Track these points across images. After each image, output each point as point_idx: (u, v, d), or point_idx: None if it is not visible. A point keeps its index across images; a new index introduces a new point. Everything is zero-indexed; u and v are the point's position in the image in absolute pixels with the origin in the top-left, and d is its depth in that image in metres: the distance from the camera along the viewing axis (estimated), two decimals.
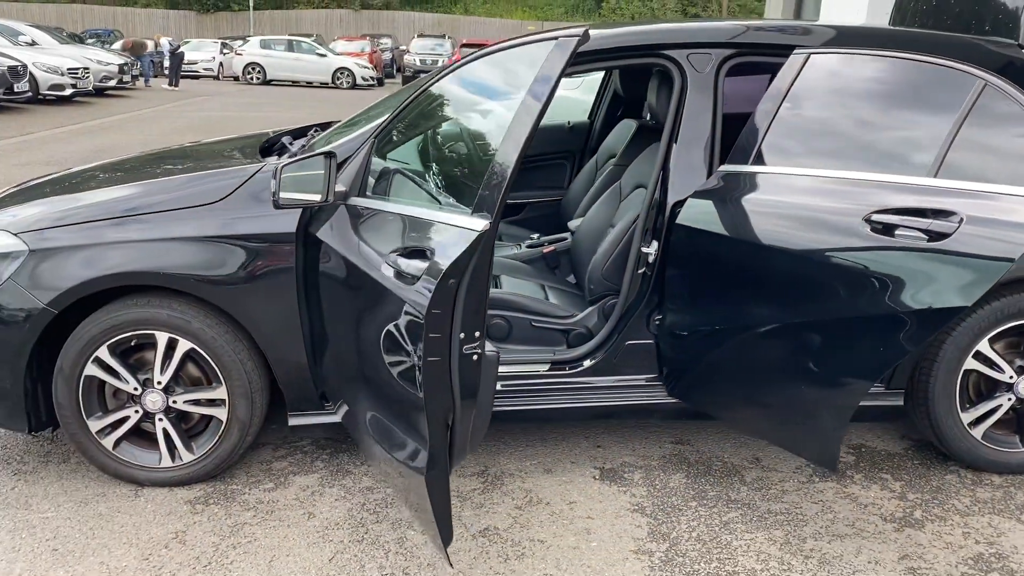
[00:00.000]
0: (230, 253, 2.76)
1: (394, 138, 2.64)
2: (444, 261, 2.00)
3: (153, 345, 2.84)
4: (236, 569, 2.51)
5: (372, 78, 26.60)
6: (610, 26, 3.08)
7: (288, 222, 2.77)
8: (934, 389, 2.96)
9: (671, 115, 2.93)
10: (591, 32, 2.39)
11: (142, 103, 17.86)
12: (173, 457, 2.93)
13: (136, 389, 2.85)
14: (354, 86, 25.86)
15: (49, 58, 16.49)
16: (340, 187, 2.63)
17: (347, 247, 2.51)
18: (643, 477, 3.06)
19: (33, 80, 15.55)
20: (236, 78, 27.60)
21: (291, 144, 3.40)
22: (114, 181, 3.21)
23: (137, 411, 2.89)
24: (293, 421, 2.95)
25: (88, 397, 2.85)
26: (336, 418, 2.95)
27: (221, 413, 2.90)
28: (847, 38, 2.82)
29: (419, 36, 29.45)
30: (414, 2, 39.49)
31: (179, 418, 2.93)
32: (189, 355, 2.84)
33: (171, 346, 2.82)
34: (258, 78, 25.97)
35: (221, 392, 2.88)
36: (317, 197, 2.58)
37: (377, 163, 2.71)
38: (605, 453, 3.23)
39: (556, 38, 2.14)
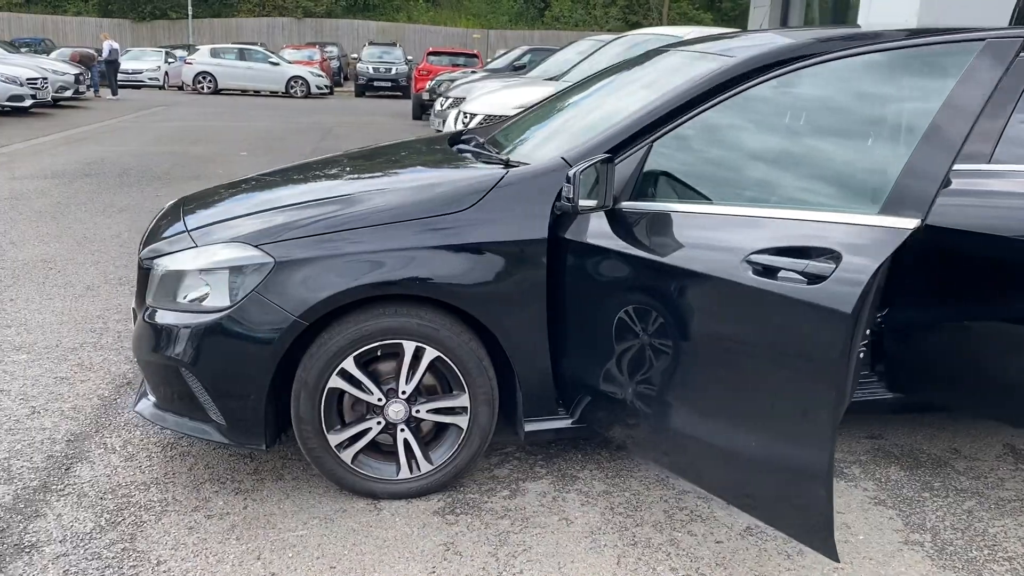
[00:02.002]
0: (483, 260, 2.73)
1: (684, 141, 2.62)
2: (854, 261, 2.01)
3: (394, 355, 2.79)
4: None
5: (326, 87, 26.29)
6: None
7: (539, 227, 2.75)
8: None
9: None
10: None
11: (103, 114, 17.31)
12: (411, 468, 2.88)
13: (380, 400, 2.80)
14: (308, 95, 25.53)
15: (6, 68, 15.87)
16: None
17: (650, 249, 2.47)
18: (863, 472, 3.13)
19: None
20: (180, 87, 27.01)
21: (480, 147, 3.39)
22: (326, 189, 3.14)
23: (379, 422, 2.83)
24: (529, 427, 2.91)
25: (328, 410, 2.78)
26: (566, 423, 2.94)
27: (461, 421, 2.86)
28: None
29: (370, 44, 29.24)
30: (356, 10, 39.14)
31: (416, 428, 2.88)
32: (431, 364, 2.80)
33: (417, 355, 2.77)
34: (209, 87, 25.40)
35: (463, 400, 2.84)
36: (594, 202, 2.58)
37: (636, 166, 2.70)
38: None
39: (983, 39, 2.18)
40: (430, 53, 20.22)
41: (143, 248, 3.05)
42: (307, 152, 12.08)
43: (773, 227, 2.22)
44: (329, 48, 32.47)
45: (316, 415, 2.76)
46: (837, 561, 2.16)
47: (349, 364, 2.74)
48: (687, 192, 2.62)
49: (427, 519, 2.78)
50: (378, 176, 3.29)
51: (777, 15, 12.43)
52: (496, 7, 39.99)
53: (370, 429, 2.83)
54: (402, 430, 2.84)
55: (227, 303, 2.70)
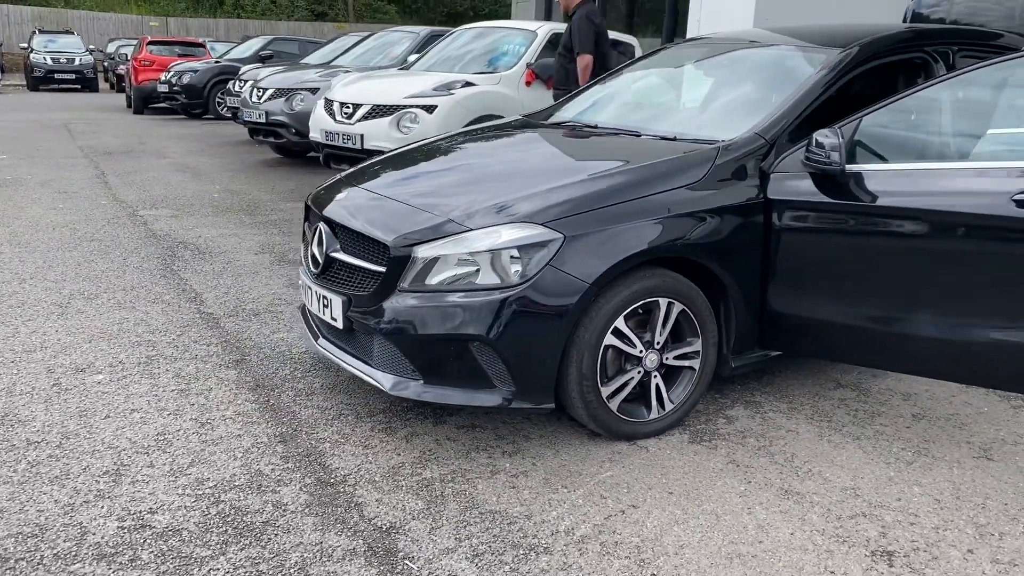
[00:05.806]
0: (721, 222, 3.22)
1: (897, 114, 3.24)
2: None
3: (648, 311, 3.18)
4: (836, 477, 3.05)
5: None
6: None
7: (756, 190, 3.30)
8: None
9: None
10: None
11: None
12: (657, 410, 3.29)
13: (641, 352, 3.18)
14: None
15: None
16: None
17: (890, 200, 3.05)
18: None
19: None
20: None
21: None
22: (547, 166, 3.49)
23: (639, 371, 3.20)
24: (736, 363, 3.45)
25: (602, 366, 3.11)
26: (759, 355, 3.53)
27: (695, 364, 3.32)
28: None
29: (40, 32, 26.28)
30: None
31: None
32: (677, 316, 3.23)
33: (668, 310, 3.19)
34: None
35: (697, 345, 3.30)
36: (833, 167, 3.14)
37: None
38: None
39: None
40: (150, 43, 18.78)
41: (391, 237, 3.08)
42: (73, 152, 11.07)
43: None
44: None
45: (595, 371, 3.08)
46: None
47: (620, 323, 3.10)
48: (908, 154, 3.28)
49: (695, 448, 3.22)
50: (595, 157, 3.66)
51: (542, 8, 13.39)
52: None
53: (632, 379, 3.20)
54: (655, 376, 3.24)
55: (514, 279, 2.93)
